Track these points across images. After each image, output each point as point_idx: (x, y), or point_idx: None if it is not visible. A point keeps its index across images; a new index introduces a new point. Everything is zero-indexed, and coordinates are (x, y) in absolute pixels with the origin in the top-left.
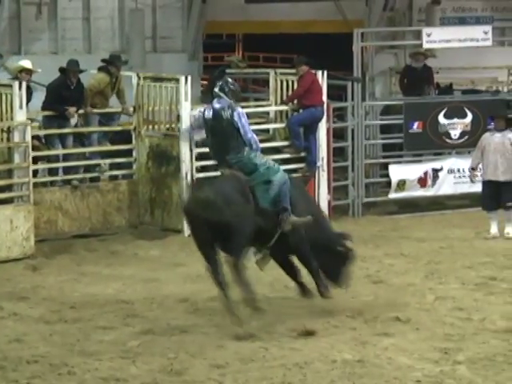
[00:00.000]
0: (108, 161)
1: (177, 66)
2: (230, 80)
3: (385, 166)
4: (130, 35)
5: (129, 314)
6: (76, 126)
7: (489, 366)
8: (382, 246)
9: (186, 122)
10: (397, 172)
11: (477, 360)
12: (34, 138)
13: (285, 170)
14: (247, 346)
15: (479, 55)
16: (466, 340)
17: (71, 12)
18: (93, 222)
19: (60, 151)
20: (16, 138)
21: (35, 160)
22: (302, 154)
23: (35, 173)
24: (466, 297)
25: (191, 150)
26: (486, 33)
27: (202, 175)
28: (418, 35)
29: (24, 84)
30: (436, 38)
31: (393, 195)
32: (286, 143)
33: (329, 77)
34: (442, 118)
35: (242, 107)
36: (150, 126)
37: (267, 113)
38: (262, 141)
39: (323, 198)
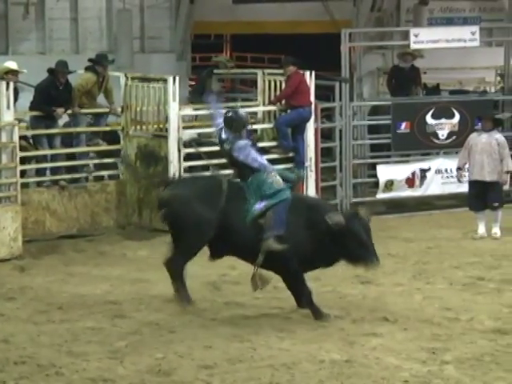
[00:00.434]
0: (96, 161)
1: (165, 67)
2: (238, 112)
3: (373, 167)
4: (117, 35)
5: (117, 315)
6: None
7: (476, 365)
8: None
9: (173, 123)
10: (385, 172)
11: (464, 360)
12: (21, 138)
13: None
14: (235, 347)
15: (467, 56)
16: (453, 340)
17: (59, 12)
18: (81, 222)
19: (48, 151)
20: (3, 138)
21: (23, 160)
22: (290, 155)
23: (23, 173)
24: (453, 297)
25: (179, 151)
26: (473, 33)
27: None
28: (405, 36)
29: (11, 84)
30: (423, 38)
31: (381, 195)
32: (273, 143)
33: (316, 77)
34: (429, 119)
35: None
36: (138, 127)
37: (255, 113)
38: None
39: None
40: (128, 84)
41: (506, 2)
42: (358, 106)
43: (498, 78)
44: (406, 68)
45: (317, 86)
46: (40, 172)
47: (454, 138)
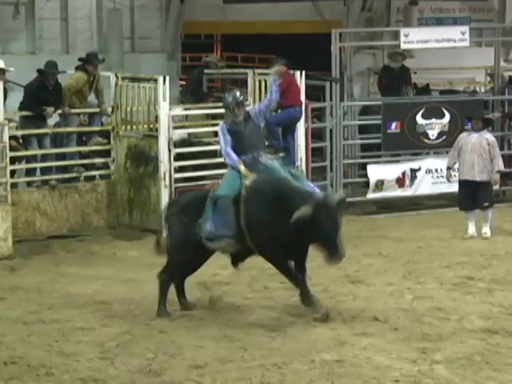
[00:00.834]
0: (86, 161)
1: (155, 66)
2: (227, 94)
3: (363, 166)
4: (107, 35)
5: (107, 315)
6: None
7: (466, 365)
8: (360, 245)
9: (164, 123)
10: (375, 172)
11: (455, 359)
12: (11, 138)
13: None
14: (226, 347)
15: (457, 56)
16: (443, 340)
17: (49, 12)
18: (71, 222)
19: (38, 151)
20: None
21: (13, 160)
22: (281, 155)
23: (13, 173)
24: (443, 296)
25: (170, 151)
26: (463, 33)
27: (179, 175)
28: (395, 36)
29: (1, 84)
30: (414, 38)
31: (371, 195)
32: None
33: (307, 77)
34: (419, 119)
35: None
36: (129, 127)
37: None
38: None
39: None
40: (118, 84)
41: (495, 3)
42: (348, 106)
43: (488, 78)
44: (396, 68)
45: (307, 86)
46: (30, 172)
47: (444, 137)
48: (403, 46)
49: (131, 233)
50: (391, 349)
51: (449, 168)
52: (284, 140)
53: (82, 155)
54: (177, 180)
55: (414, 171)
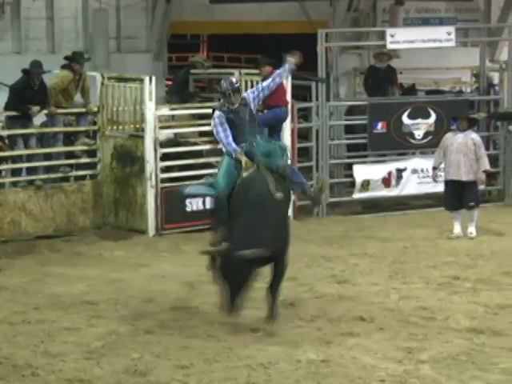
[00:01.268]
0: (72, 161)
1: (141, 66)
2: (222, 80)
3: (349, 166)
4: (93, 35)
5: (93, 315)
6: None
7: (452, 365)
8: (346, 245)
9: (150, 123)
10: (361, 172)
11: (440, 359)
12: None
13: None
14: (212, 347)
15: (443, 56)
16: (429, 339)
17: (34, 12)
18: (57, 222)
19: (23, 152)
20: None
21: None
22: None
23: None
24: (429, 296)
25: (156, 150)
26: (449, 34)
27: (165, 176)
28: (381, 36)
29: None
30: (400, 38)
31: (357, 195)
32: None
33: (293, 77)
34: (405, 119)
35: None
36: (115, 127)
37: None
38: None
39: None
40: (104, 84)
41: (481, 3)
42: (334, 106)
43: (474, 78)
44: (382, 68)
45: (293, 86)
46: (16, 172)
47: (430, 137)
48: (389, 46)
49: (117, 233)
50: (377, 348)
51: (434, 168)
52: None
53: (69, 155)
54: (163, 180)
55: (399, 171)
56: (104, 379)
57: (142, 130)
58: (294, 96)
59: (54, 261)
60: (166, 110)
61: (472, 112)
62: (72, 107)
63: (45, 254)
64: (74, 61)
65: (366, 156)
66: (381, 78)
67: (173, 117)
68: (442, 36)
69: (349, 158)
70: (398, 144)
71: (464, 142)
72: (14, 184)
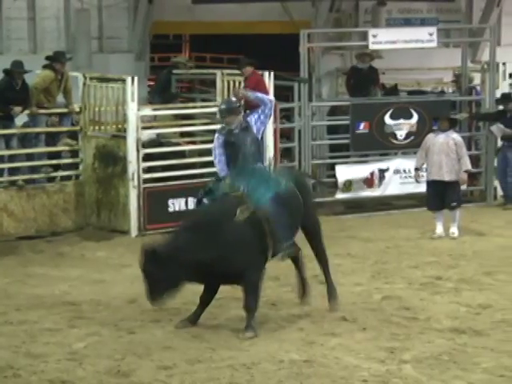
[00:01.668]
0: (54, 162)
1: (123, 67)
2: (230, 99)
3: (331, 167)
4: (75, 35)
5: (75, 316)
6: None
7: (434, 364)
8: (329, 246)
9: (132, 123)
10: (343, 172)
11: (422, 359)
12: None
13: None
14: (194, 347)
15: (424, 56)
16: (411, 339)
17: (16, 12)
18: (39, 223)
19: (5, 152)
20: None
21: None
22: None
23: None
24: (412, 296)
25: (138, 151)
26: (431, 34)
27: (148, 176)
28: (364, 36)
29: None
30: (382, 39)
31: (339, 195)
32: None
33: (275, 77)
34: (388, 119)
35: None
36: (97, 127)
37: (214, 114)
38: (208, 142)
39: None
40: (86, 84)
41: (462, 4)
42: (316, 107)
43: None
44: (365, 68)
45: (276, 87)
46: None
47: (412, 138)
48: (371, 47)
49: (100, 233)
50: (359, 349)
51: (417, 169)
52: None
53: (51, 156)
54: (145, 180)
55: (382, 171)
56: (86, 380)
57: (125, 130)
58: (276, 96)
59: (36, 261)
60: (148, 111)
61: (454, 112)
62: (54, 107)
63: (27, 255)
64: (55, 60)
65: (348, 156)
66: (363, 78)
67: (155, 117)
68: (424, 37)
69: (331, 158)
70: (380, 144)
71: (445, 142)
72: None
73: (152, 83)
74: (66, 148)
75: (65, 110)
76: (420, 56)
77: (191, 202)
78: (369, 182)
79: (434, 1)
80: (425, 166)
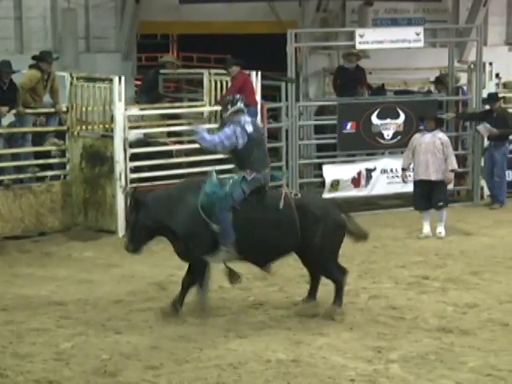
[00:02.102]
0: (41, 161)
1: (110, 66)
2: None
3: (319, 166)
4: (62, 35)
5: (62, 316)
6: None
7: (421, 364)
8: None
9: (119, 123)
10: (330, 172)
11: (409, 358)
12: None
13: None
14: (181, 347)
15: (411, 56)
16: (398, 339)
17: (2, 11)
18: (26, 223)
19: None
20: None
21: None
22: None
23: None
24: (398, 296)
25: (125, 151)
26: (417, 34)
27: (135, 176)
28: (350, 36)
29: None
30: (369, 38)
31: (326, 195)
32: None
33: (263, 77)
34: (375, 119)
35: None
36: (84, 127)
37: (201, 113)
38: (195, 141)
39: None
40: (73, 84)
41: (449, 4)
42: (303, 106)
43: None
44: (351, 68)
45: (263, 86)
46: None
47: (399, 137)
48: (358, 47)
49: (86, 233)
50: (347, 348)
51: (404, 169)
52: None
53: (38, 155)
54: (132, 180)
55: (369, 171)
56: (73, 380)
57: (112, 130)
58: (263, 96)
59: (23, 261)
60: (135, 111)
61: (441, 112)
62: (41, 107)
63: (13, 255)
64: (41, 60)
65: (335, 156)
66: (350, 78)
67: (142, 117)
68: (411, 36)
69: (318, 158)
70: (367, 144)
71: (432, 142)
72: None
73: (139, 83)
74: (53, 148)
75: (52, 110)
76: (407, 56)
77: None
78: (356, 182)
79: (420, 1)
80: (412, 165)
